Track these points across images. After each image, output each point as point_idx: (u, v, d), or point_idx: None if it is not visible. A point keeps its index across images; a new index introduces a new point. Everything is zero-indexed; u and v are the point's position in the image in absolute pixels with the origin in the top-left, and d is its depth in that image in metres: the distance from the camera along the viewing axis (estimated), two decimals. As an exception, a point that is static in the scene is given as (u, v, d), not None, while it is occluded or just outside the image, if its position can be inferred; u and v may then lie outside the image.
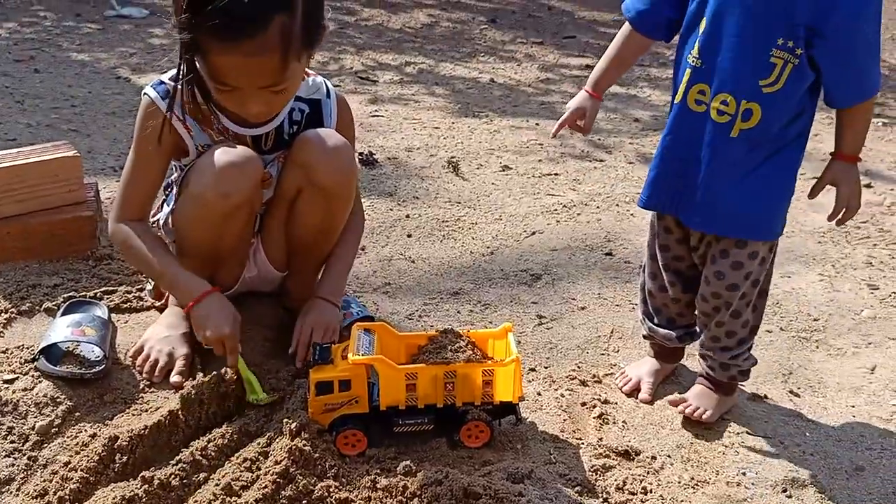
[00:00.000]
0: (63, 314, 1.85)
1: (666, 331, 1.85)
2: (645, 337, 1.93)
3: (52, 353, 1.72)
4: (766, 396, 1.91)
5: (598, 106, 1.78)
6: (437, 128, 3.58)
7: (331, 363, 1.63)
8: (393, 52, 4.75)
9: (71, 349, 1.73)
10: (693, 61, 1.60)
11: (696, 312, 1.80)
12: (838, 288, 2.42)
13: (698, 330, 1.84)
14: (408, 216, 2.72)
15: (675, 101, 1.65)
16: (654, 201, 1.74)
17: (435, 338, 1.69)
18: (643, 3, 1.68)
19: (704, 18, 1.57)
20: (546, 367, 1.97)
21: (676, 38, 1.68)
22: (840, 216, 1.64)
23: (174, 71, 1.67)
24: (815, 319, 2.25)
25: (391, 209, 2.76)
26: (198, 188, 1.72)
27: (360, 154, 3.11)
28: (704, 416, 1.75)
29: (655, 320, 1.87)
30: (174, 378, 1.74)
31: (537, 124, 3.69)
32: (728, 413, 1.82)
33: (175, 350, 1.79)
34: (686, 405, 1.78)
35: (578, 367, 1.98)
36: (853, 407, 1.90)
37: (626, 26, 1.73)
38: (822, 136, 3.76)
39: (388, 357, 1.61)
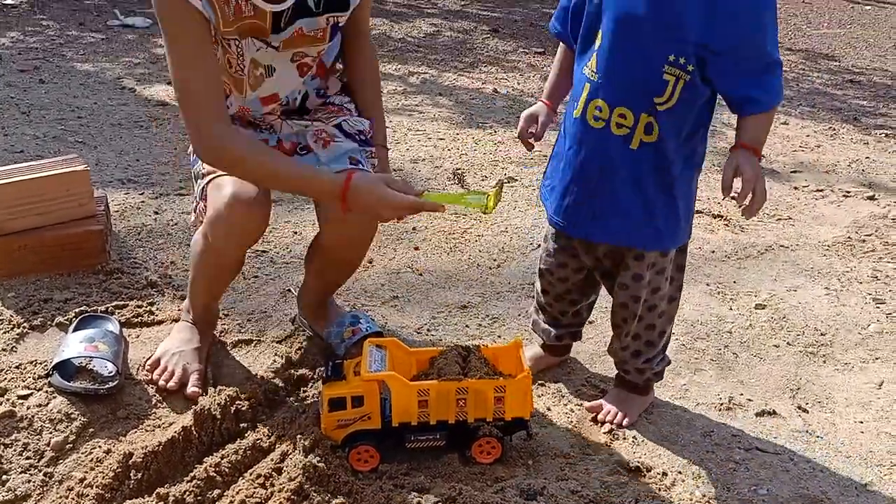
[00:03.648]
0: (75, 329, 1.85)
1: (546, 326, 1.95)
2: (531, 328, 2.01)
3: (65, 368, 1.72)
4: (774, 412, 1.92)
5: (552, 115, 1.79)
6: (441, 139, 3.59)
7: (343, 379, 1.64)
8: (396, 61, 4.77)
9: (84, 365, 1.74)
10: (590, 74, 1.61)
11: (611, 319, 1.85)
12: (844, 302, 2.43)
13: (580, 332, 1.98)
14: (414, 228, 2.73)
15: (575, 116, 1.66)
16: (562, 219, 1.75)
17: (446, 353, 1.70)
18: (558, 19, 1.75)
19: (600, 32, 1.59)
20: (555, 382, 1.98)
21: None
22: (747, 202, 1.55)
23: None
24: (822, 334, 2.26)
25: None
26: (211, 238, 1.70)
27: (366, 166, 3.12)
28: (625, 422, 1.81)
29: (541, 315, 1.96)
30: (190, 390, 1.75)
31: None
32: (737, 429, 1.83)
33: (189, 364, 1.80)
34: (605, 412, 1.82)
35: (587, 382, 1.99)
36: (861, 423, 1.91)
37: None
38: (823, 146, 3.79)
39: (399, 373, 1.62)
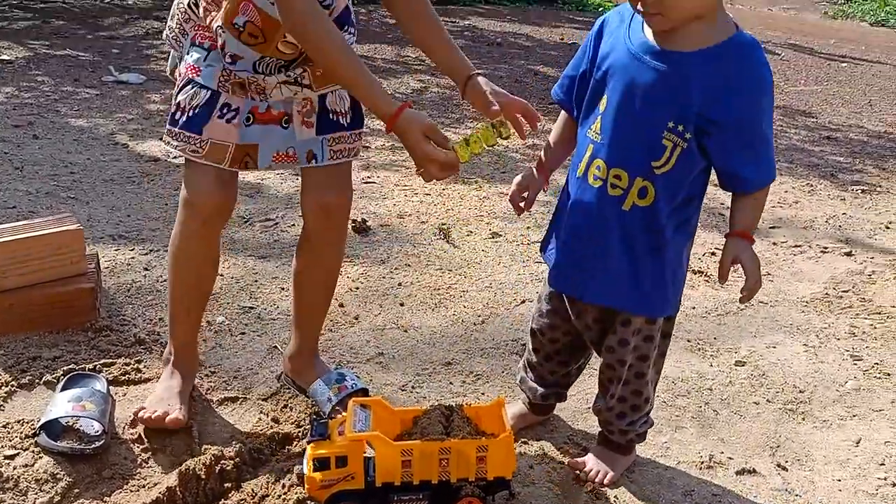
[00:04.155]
0: (63, 388, 1.87)
1: (534, 385, 1.97)
2: (518, 384, 2.03)
3: (52, 428, 1.74)
4: (754, 470, 1.95)
5: (544, 184, 1.82)
6: (427, 194, 3.66)
7: (328, 439, 1.66)
8: (385, 117, 4.87)
9: (71, 424, 1.75)
10: (594, 136, 1.67)
11: (598, 379, 1.88)
12: (822, 359, 2.48)
13: (566, 393, 2.00)
14: (400, 284, 2.77)
15: (577, 175, 1.71)
16: (555, 276, 1.80)
17: (429, 412, 1.73)
18: (562, 87, 1.79)
19: (605, 96, 1.65)
20: (538, 440, 2.00)
21: None
22: (747, 293, 1.65)
23: None
24: (800, 391, 2.30)
25: (383, 277, 2.81)
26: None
27: (353, 221, 3.17)
28: (606, 479, 1.83)
29: (529, 373, 1.98)
30: (172, 416, 1.82)
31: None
32: (718, 487, 1.86)
33: (171, 406, 1.86)
34: (587, 470, 1.84)
35: (570, 439, 2.01)
36: (839, 480, 1.94)
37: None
38: (802, 202, 3.89)
39: (383, 432, 1.65)
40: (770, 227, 3.54)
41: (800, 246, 3.34)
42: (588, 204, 1.70)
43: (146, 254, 2.79)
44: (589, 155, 1.68)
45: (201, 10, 1.76)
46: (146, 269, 2.68)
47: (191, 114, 1.76)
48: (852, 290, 2.96)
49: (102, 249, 2.69)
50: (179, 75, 1.82)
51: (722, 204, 3.50)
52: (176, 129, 1.78)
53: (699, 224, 1.77)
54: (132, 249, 2.81)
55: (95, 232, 2.91)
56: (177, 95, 1.79)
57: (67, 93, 4.74)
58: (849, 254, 3.29)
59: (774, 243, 3.36)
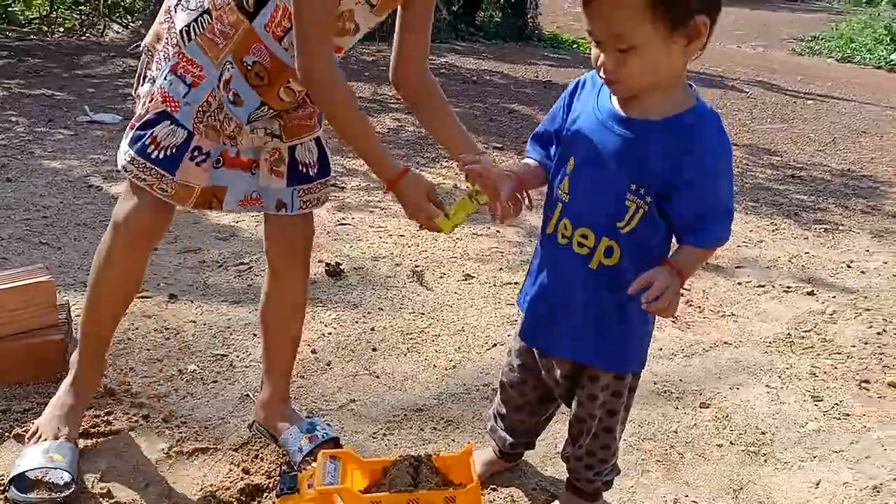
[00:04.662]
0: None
1: (503, 434, 2.01)
2: (488, 432, 2.07)
3: (22, 481, 1.75)
4: (717, 514, 2.00)
5: (512, 181, 1.79)
6: (402, 235, 3.71)
7: (297, 492, 1.68)
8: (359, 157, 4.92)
9: (40, 477, 1.76)
10: (562, 195, 1.73)
11: (567, 431, 1.91)
12: (784, 400, 2.54)
13: (534, 441, 2.05)
14: (373, 329, 2.80)
15: (547, 232, 1.77)
16: (525, 331, 1.86)
17: (398, 463, 1.75)
18: (533, 145, 1.85)
19: (571, 157, 1.71)
20: (507, 486, 2.03)
21: None
22: (648, 301, 1.60)
23: None
24: (762, 433, 2.36)
25: (356, 321, 2.85)
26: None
27: (327, 265, 3.21)
28: None
29: (499, 423, 2.02)
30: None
31: (498, 231, 3.84)
32: (681, 533, 1.90)
33: (60, 430, 1.89)
34: None
35: (539, 485, 2.05)
36: (799, 523, 1.99)
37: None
38: (766, 241, 3.98)
39: (352, 484, 1.67)
40: (735, 267, 3.62)
41: (763, 286, 3.43)
42: (556, 261, 1.76)
43: (119, 300, 2.79)
44: (558, 213, 1.74)
45: (197, 40, 1.72)
46: (118, 315, 2.69)
47: (167, 153, 1.73)
48: (814, 329, 3.04)
49: (73, 296, 2.69)
50: (149, 96, 1.78)
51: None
52: (147, 164, 1.73)
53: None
54: (105, 296, 2.82)
55: (67, 278, 2.91)
56: (150, 124, 1.74)
57: (41, 133, 4.76)
58: (811, 293, 3.38)
59: (739, 283, 3.44)
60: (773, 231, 4.13)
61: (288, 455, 2.01)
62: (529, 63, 8.60)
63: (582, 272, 1.71)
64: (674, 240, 1.69)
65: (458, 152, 1.82)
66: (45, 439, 1.86)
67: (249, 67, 1.73)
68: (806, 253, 3.85)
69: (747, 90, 8.03)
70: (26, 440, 1.88)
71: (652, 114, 1.61)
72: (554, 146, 1.81)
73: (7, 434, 1.97)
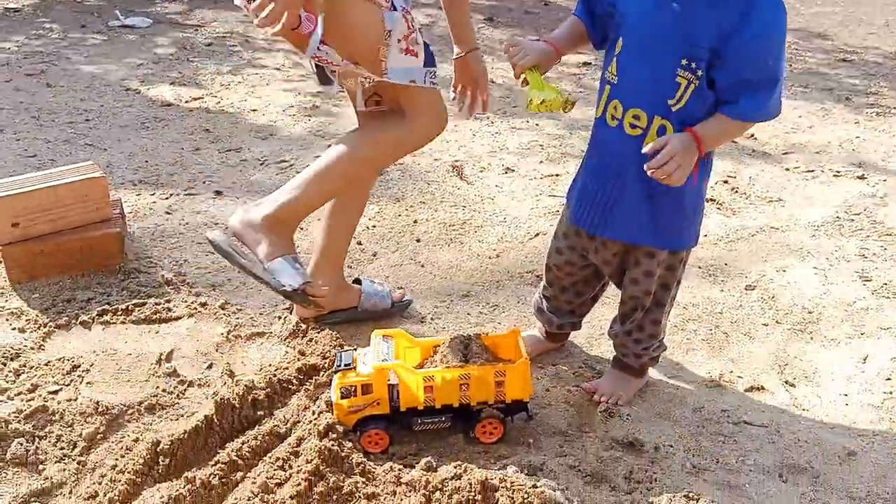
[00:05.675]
0: None
1: (550, 315, 2.04)
2: (535, 313, 2.10)
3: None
4: (762, 387, 2.02)
5: (551, 54, 1.78)
6: (440, 131, 3.67)
7: (353, 369, 1.75)
8: (394, 54, 4.83)
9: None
10: (610, 77, 1.70)
11: (618, 309, 1.93)
12: (832, 280, 2.53)
13: (580, 322, 2.08)
14: (416, 221, 2.82)
15: (596, 116, 1.75)
16: (578, 216, 1.84)
17: (448, 342, 1.81)
18: (582, 8, 1.79)
19: (620, 39, 1.67)
20: (554, 365, 2.08)
21: None
22: (654, 167, 1.59)
23: None
24: (809, 312, 2.36)
25: (399, 215, 2.87)
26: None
27: (368, 160, 3.21)
28: (620, 402, 1.91)
29: (545, 304, 2.05)
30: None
31: (537, 125, 3.79)
32: (727, 404, 1.94)
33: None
34: (601, 393, 1.92)
35: (585, 364, 2.09)
36: (846, 395, 2.01)
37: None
38: (815, 127, 3.87)
39: (405, 361, 1.73)
40: (783, 153, 3.54)
41: (812, 171, 3.35)
42: (607, 144, 1.74)
43: (167, 198, 2.85)
44: (606, 96, 1.71)
45: None
46: (168, 213, 2.75)
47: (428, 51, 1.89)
48: (864, 212, 2.99)
49: (124, 195, 2.75)
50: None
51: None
52: (434, 69, 1.90)
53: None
54: (153, 194, 2.87)
55: (116, 178, 2.97)
56: (418, 38, 1.83)
57: (76, 39, 4.75)
58: (861, 177, 3.30)
59: (787, 169, 3.37)
60: (823, 116, 4.01)
61: (375, 307, 2.19)
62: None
63: (634, 153, 1.68)
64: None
65: (454, 41, 2.01)
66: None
67: None
68: (857, 137, 3.74)
69: (796, -27, 7.62)
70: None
71: None
72: (598, 6, 1.76)
73: (74, 321, 2.06)
